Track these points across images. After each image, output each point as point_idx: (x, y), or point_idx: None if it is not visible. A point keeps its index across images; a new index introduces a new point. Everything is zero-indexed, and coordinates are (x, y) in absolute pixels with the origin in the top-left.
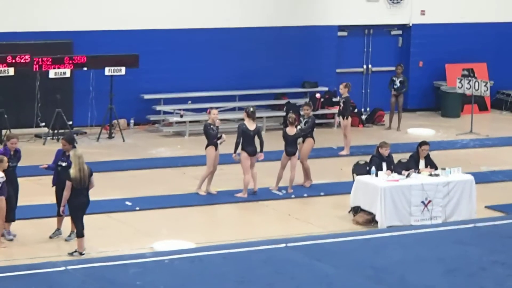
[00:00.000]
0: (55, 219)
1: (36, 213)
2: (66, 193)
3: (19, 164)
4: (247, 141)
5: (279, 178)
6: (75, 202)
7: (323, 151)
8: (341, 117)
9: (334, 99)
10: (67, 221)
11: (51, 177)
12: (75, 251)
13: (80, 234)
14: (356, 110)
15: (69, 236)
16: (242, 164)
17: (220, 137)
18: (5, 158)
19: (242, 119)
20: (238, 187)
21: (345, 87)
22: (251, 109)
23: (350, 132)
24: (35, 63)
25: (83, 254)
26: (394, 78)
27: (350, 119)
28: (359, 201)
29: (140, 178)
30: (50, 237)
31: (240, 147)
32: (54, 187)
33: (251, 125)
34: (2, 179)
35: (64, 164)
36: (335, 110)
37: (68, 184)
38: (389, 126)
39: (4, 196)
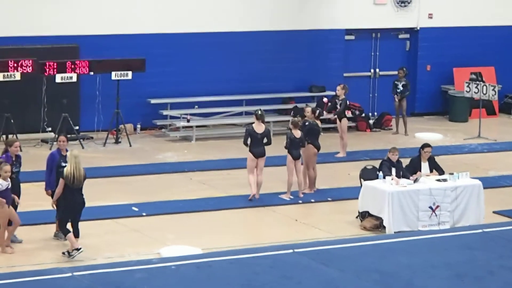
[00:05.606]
0: None
1: (42, 218)
2: (58, 190)
3: (23, 169)
4: (254, 143)
5: (290, 185)
6: (70, 202)
7: (331, 156)
8: (337, 119)
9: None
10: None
11: None
12: (74, 250)
13: (75, 235)
14: (363, 115)
15: (56, 235)
16: (247, 164)
17: None
18: (8, 167)
19: (249, 124)
20: (246, 192)
21: (343, 88)
22: (259, 111)
23: (345, 134)
24: (41, 67)
25: (80, 249)
26: (397, 82)
27: (345, 120)
28: (367, 206)
29: (146, 183)
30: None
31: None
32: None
33: (259, 128)
34: (7, 185)
35: (65, 164)
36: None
37: (61, 181)
38: (396, 131)
39: (9, 204)
